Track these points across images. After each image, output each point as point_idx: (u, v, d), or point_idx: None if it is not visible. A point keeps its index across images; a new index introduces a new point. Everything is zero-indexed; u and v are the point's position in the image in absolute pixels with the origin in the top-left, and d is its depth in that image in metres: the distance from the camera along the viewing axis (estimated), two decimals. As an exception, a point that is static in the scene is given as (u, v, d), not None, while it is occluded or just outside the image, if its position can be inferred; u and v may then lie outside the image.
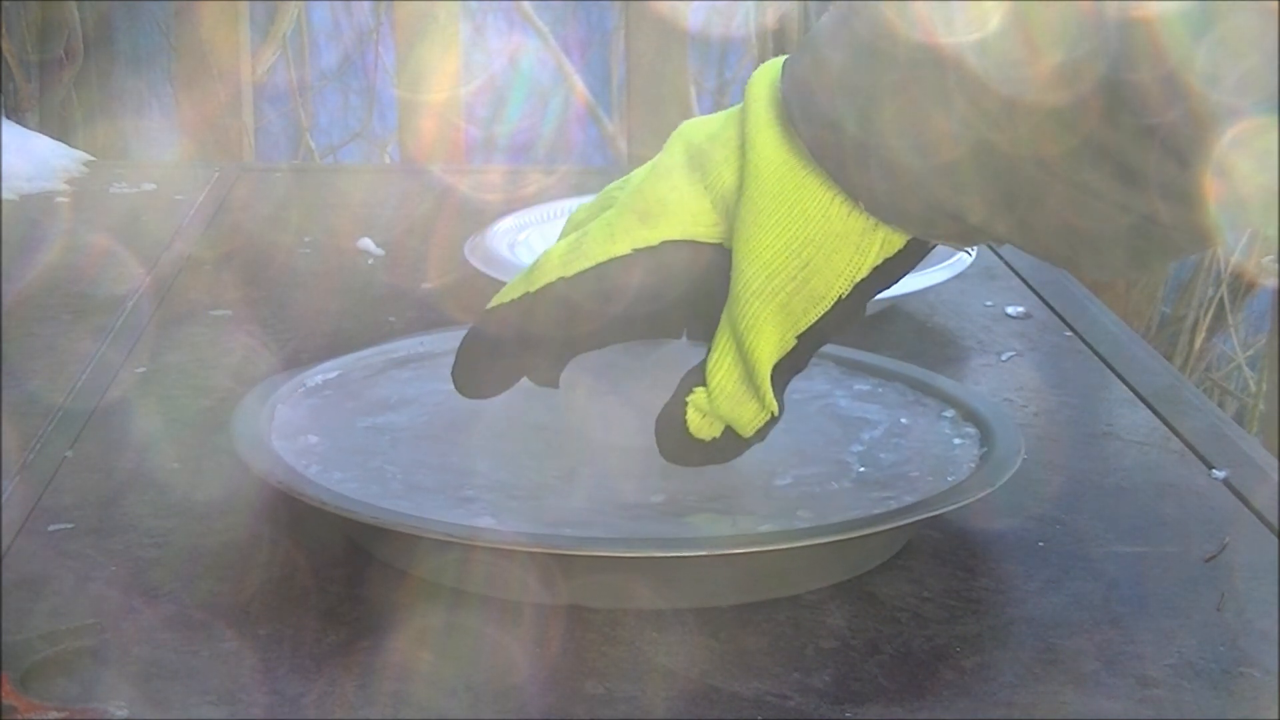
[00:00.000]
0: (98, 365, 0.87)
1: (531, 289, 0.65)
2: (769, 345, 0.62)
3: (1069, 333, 0.95)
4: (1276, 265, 2.15)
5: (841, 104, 0.59)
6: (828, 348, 0.77)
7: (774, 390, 0.62)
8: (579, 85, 2.21)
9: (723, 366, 0.62)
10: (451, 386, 0.67)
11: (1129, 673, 0.57)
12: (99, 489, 0.71)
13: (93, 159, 1.37)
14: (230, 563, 0.64)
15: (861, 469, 0.67)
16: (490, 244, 0.99)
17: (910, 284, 0.94)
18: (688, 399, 0.63)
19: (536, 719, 0.54)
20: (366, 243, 1.11)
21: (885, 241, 0.61)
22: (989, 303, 1.00)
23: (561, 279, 0.64)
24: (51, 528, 0.67)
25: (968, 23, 0.54)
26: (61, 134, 1.65)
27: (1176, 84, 0.51)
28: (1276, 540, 0.67)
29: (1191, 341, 2.31)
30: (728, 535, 0.62)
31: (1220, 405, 2.17)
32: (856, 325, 0.63)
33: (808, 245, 0.61)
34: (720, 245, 0.63)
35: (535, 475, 0.66)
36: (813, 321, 0.62)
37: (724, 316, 0.62)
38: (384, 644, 0.58)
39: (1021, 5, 0.53)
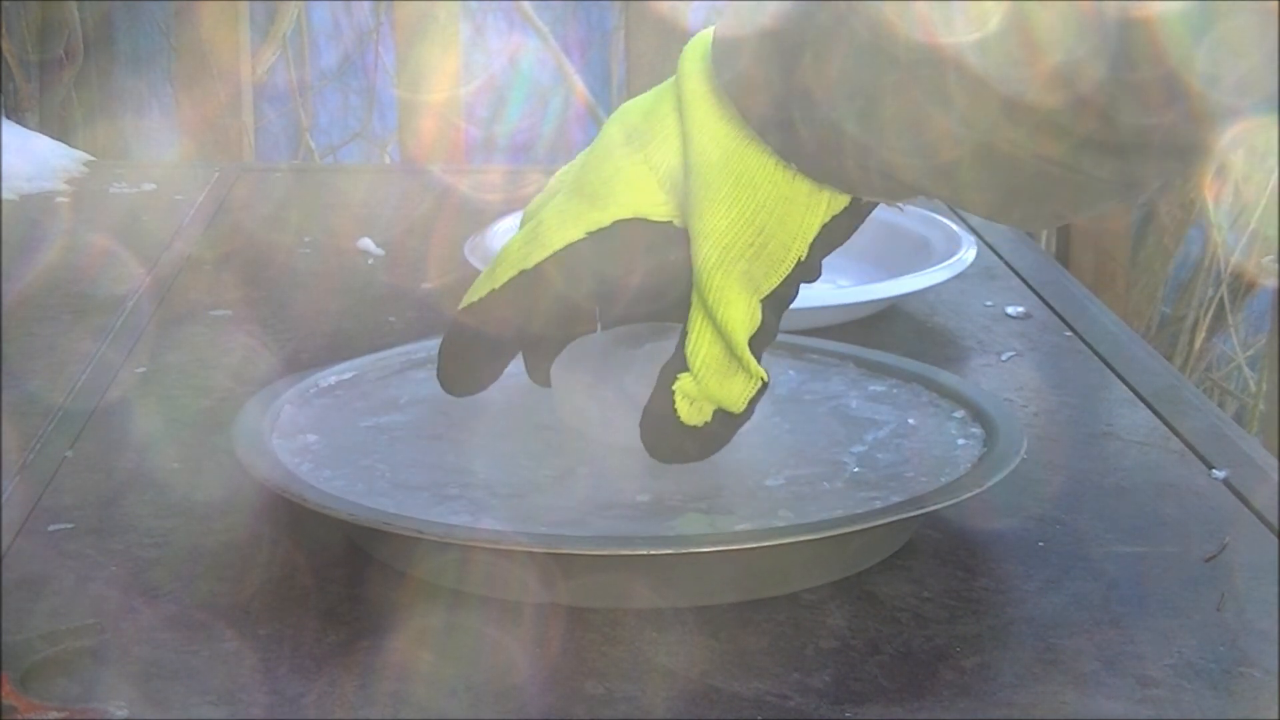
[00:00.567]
0: (98, 365, 0.87)
1: (496, 285, 0.66)
2: (739, 315, 0.62)
3: (1069, 333, 0.95)
4: (1276, 265, 2.15)
5: (841, 103, 0.59)
6: (850, 348, 0.77)
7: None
8: (579, 85, 2.21)
9: (703, 345, 0.62)
10: None
11: (1129, 673, 0.57)
12: (99, 489, 0.71)
13: (93, 159, 1.37)
14: (230, 563, 0.64)
15: (857, 470, 0.67)
16: (490, 244, 0.99)
17: (910, 284, 0.95)
18: (674, 388, 0.63)
19: (536, 719, 0.54)
20: (366, 243, 1.11)
21: (831, 199, 0.62)
22: (989, 303, 1.00)
23: (522, 271, 0.65)
24: (51, 528, 0.67)
25: (968, 23, 0.54)
26: (61, 134, 1.65)
27: (1176, 84, 0.51)
28: (1276, 540, 0.67)
29: (1191, 341, 2.31)
30: (709, 534, 0.62)
31: (1220, 405, 2.17)
32: (810, 283, 0.63)
33: (760, 212, 0.61)
34: (671, 223, 0.63)
35: (528, 475, 0.66)
36: (775, 286, 0.62)
37: (694, 297, 0.63)
38: (384, 644, 0.58)
39: (1021, 5, 0.53)
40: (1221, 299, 2.29)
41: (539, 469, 0.66)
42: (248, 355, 0.89)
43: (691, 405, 0.63)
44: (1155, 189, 0.56)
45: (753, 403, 0.63)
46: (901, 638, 0.59)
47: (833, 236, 0.63)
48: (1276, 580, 0.64)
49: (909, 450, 0.69)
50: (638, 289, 0.66)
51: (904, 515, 0.62)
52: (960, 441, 0.70)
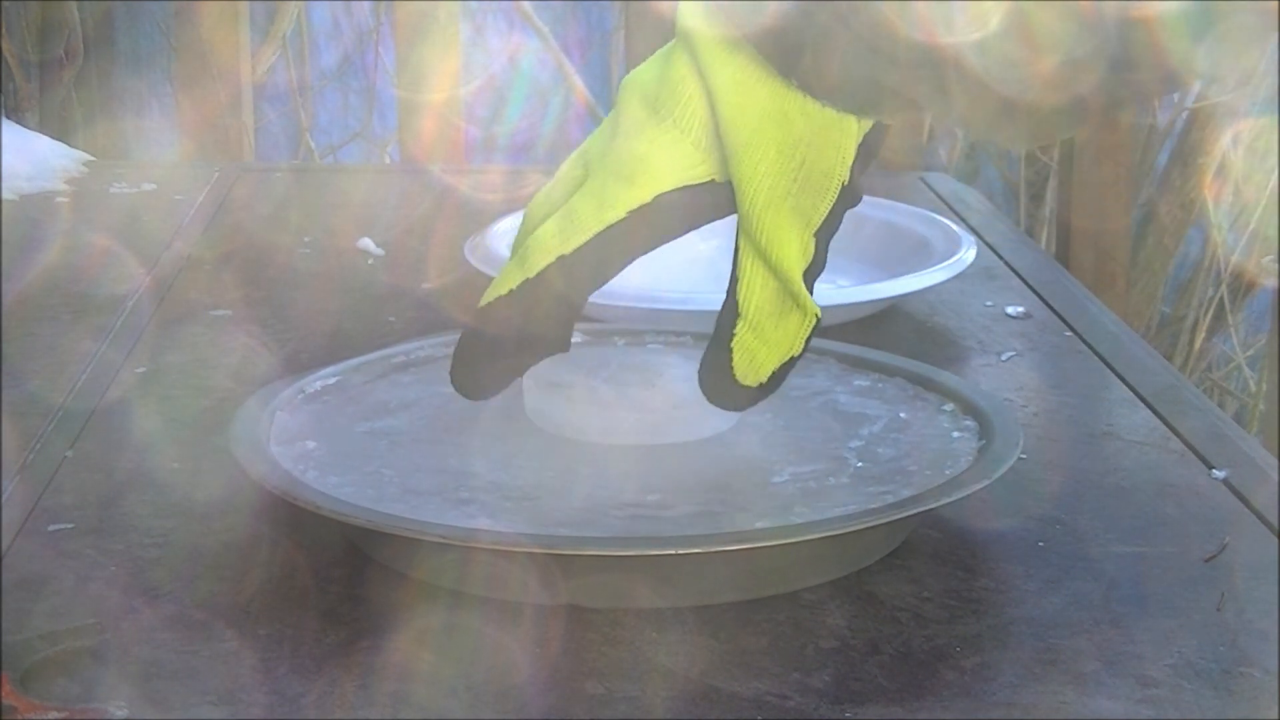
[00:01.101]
0: (98, 365, 0.87)
1: (530, 274, 0.64)
2: (793, 249, 0.62)
3: (1069, 333, 0.95)
4: (1276, 265, 2.15)
5: (841, 102, 0.59)
6: (829, 344, 0.77)
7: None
8: (579, 85, 2.21)
9: (755, 287, 0.62)
10: (451, 389, 0.67)
11: (1129, 673, 0.57)
12: (99, 489, 0.71)
13: (93, 159, 1.37)
14: (230, 563, 0.64)
15: (859, 464, 0.67)
16: (490, 244, 0.99)
17: (910, 284, 0.95)
18: (732, 345, 0.63)
19: (536, 719, 0.54)
20: (366, 243, 1.11)
21: (859, 120, 0.62)
22: (989, 303, 1.00)
23: (561, 256, 0.64)
24: (51, 528, 0.67)
25: (968, 23, 0.54)
26: (61, 134, 1.65)
27: (1176, 84, 0.51)
28: (1276, 540, 0.67)
29: (1191, 341, 2.31)
30: (725, 533, 0.62)
31: (1220, 405, 2.17)
32: (854, 207, 0.64)
33: (799, 145, 0.61)
34: (711, 182, 0.63)
35: (532, 476, 0.66)
36: (824, 215, 0.62)
37: (740, 242, 0.63)
38: (384, 644, 0.58)
39: (1021, 5, 0.53)
40: (1221, 299, 2.29)
41: (542, 470, 0.66)
42: (248, 355, 0.89)
43: (750, 363, 0.63)
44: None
45: (809, 340, 0.63)
46: (901, 638, 0.59)
47: (868, 153, 0.63)
48: (1276, 580, 0.64)
49: (907, 444, 0.69)
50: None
51: (919, 509, 0.62)
52: (955, 434, 0.70)
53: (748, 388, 0.64)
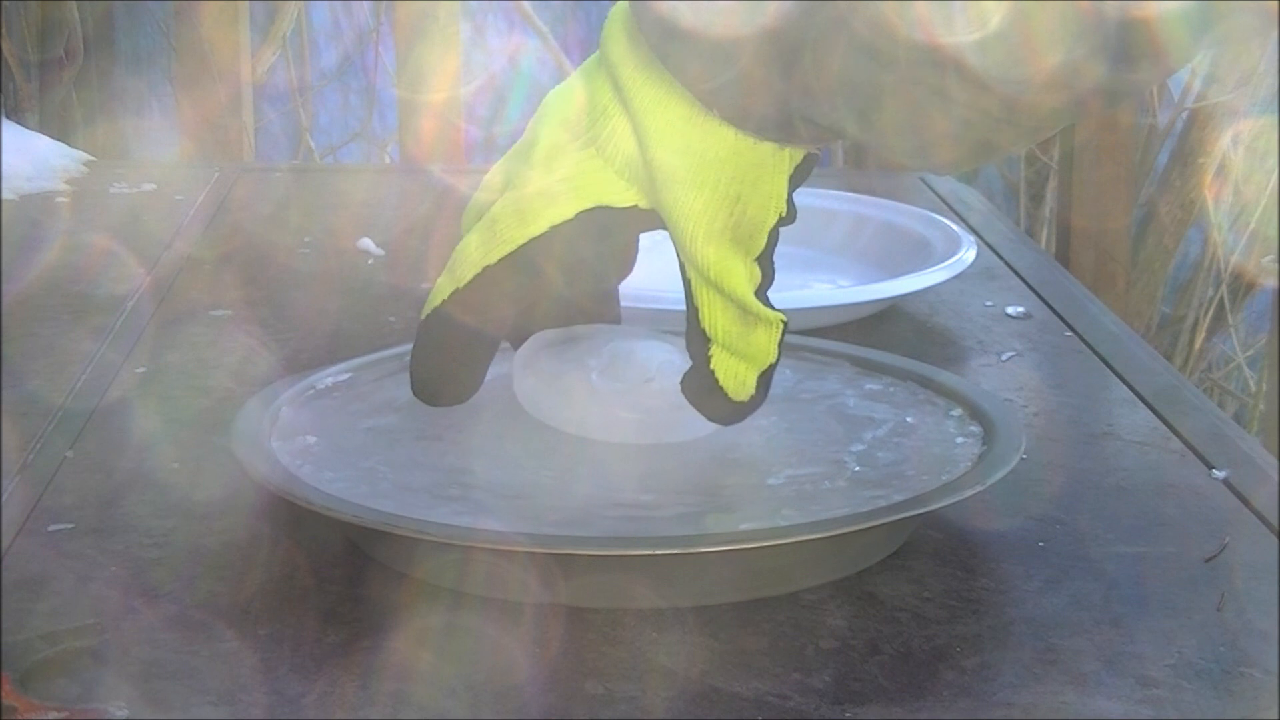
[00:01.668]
0: (98, 365, 0.87)
1: (460, 284, 0.66)
2: (740, 277, 0.63)
3: (1069, 333, 0.95)
4: (1276, 265, 2.15)
5: (841, 104, 0.59)
6: (842, 346, 0.77)
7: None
8: (579, 85, 2.21)
9: (716, 312, 0.64)
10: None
11: (1129, 673, 0.57)
12: (99, 489, 0.71)
13: (93, 159, 1.37)
14: (230, 563, 0.64)
15: (857, 468, 0.67)
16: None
17: (910, 284, 0.95)
18: (711, 367, 0.64)
19: (536, 719, 0.54)
20: (366, 243, 1.11)
21: (792, 150, 0.63)
22: (989, 303, 1.00)
23: (486, 267, 0.65)
24: (51, 528, 0.67)
25: (968, 23, 0.54)
26: (61, 134, 1.65)
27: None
28: (1276, 540, 0.67)
29: (1191, 341, 2.32)
30: (714, 534, 0.62)
31: (1220, 405, 2.17)
32: (789, 225, 0.64)
33: (733, 183, 0.62)
34: (636, 207, 0.64)
35: (530, 475, 0.66)
36: (764, 244, 0.63)
37: (689, 274, 0.64)
38: (384, 644, 0.58)
39: (1021, 5, 0.53)
40: (1221, 299, 2.29)
41: (541, 469, 0.66)
42: (248, 355, 0.89)
43: (736, 379, 0.64)
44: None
45: (781, 344, 0.64)
46: (901, 638, 0.59)
47: (801, 178, 0.64)
48: (1276, 580, 0.64)
49: (909, 449, 0.69)
50: (597, 271, 0.68)
51: (908, 514, 0.62)
52: (959, 439, 0.70)
53: (741, 402, 0.65)
